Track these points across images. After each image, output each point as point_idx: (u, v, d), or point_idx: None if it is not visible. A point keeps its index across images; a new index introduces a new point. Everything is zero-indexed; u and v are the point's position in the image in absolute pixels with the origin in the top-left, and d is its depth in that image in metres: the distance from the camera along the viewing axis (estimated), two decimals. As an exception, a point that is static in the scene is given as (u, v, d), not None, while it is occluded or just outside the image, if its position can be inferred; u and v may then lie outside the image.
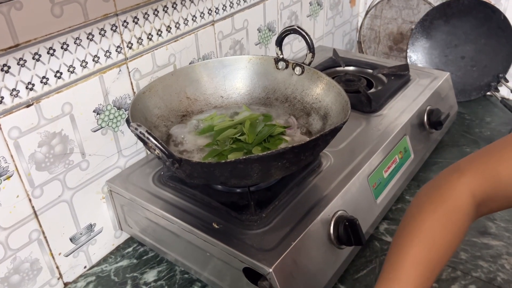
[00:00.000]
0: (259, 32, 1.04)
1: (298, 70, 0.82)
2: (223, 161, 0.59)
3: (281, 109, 0.84)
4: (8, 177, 0.63)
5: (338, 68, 1.11)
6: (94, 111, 0.72)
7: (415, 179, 0.93)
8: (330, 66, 1.11)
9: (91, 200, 0.76)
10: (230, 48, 0.97)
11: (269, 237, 0.63)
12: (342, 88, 0.74)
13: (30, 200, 0.67)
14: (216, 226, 0.66)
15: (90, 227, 0.77)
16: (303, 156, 0.63)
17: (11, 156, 0.63)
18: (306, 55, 0.80)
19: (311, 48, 0.79)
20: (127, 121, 0.68)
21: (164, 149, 0.57)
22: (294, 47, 1.20)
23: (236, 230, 0.65)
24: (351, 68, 1.11)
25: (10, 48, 0.59)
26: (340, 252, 0.69)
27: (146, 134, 0.56)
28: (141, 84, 0.79)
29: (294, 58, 1.19)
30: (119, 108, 0.76)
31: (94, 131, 0.73)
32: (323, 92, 0.79)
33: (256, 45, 1.05)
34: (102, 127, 0.74)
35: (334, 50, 1.16)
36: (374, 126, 0.88)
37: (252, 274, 0.61)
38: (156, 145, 0.57)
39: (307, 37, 0.79)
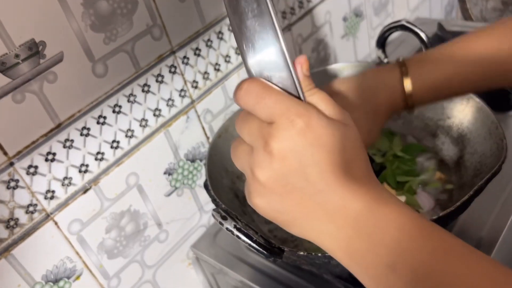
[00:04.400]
0: (345, 21, 0.84)
1: (411, 77, 0.62)
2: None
3: (393, 128, 0.65)
4: (78, 277, 0.53)
5: (448, 48, 0.88)
6: (164, 173, 0.59)
7: None
8: (437, 47, 0.88)
9: (177, 271, 0.65)
10: (312, 51, 0.78)
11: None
12: (483, 102, 0.54)
13: (107, 294, 0.56)
14: (336, 314, 0.50)
15: (181, 300, 0.66)
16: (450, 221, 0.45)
17: (77, 253, 0.52)
18: (422, 58, 0.59)
19: (427, 48, 0.59)
20: (206, 187, 0.54)
21: (261, 249, 0.42)
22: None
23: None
24: (466, 46, 0.87)
25: (51, 131, 0.46)
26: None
27: (236, 232, 0.42)
28: (214, 127, 0.64)
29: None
30: (193, 161, 0.62)
31: (168, 195, 0.60)
32: (452, 106, 0.59)
33: (342, 38, 0.85)
34: (176, 188, 0.61)
35: (440, 24, 0.92)
36: (519, 131, 0.66)
37: None
38: (250, 244, 0.42)
39: (421, 34, 0.59)
